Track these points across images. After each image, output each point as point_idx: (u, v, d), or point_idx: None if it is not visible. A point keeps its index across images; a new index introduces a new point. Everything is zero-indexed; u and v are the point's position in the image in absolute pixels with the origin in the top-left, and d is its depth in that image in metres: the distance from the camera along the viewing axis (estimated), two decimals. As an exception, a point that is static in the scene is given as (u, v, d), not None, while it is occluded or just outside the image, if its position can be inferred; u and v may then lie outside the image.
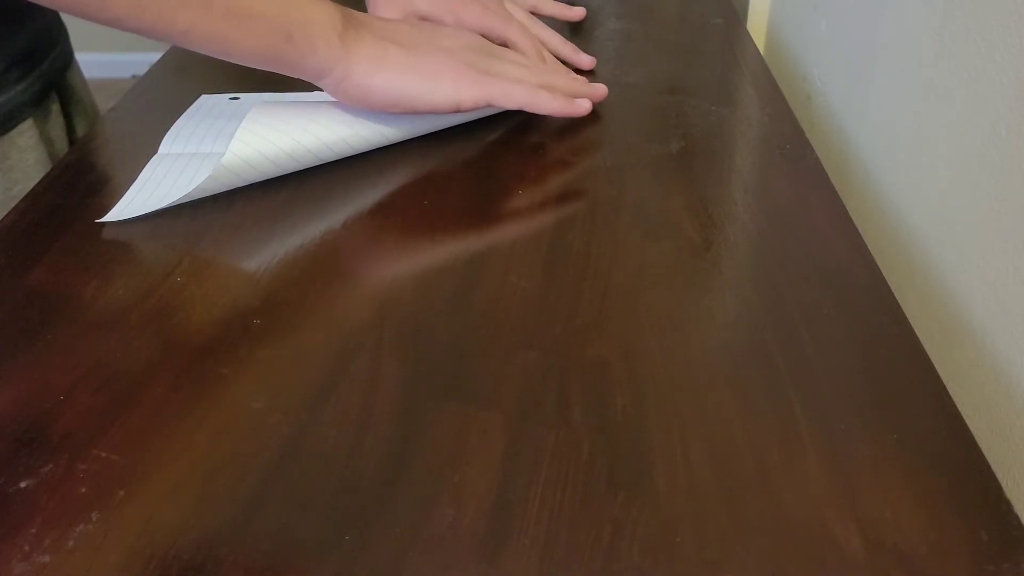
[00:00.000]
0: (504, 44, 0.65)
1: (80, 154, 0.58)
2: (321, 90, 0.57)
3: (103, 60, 2.34)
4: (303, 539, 0.32)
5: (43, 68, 0.62)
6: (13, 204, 0.52)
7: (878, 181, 0.65)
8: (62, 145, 0.66)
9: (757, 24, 0.98)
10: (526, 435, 0.36)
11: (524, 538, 0.31)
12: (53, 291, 0.44)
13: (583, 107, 0.59)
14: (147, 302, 0.43)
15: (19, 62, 0.59)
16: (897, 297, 0.44)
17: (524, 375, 0.39)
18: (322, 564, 0.31)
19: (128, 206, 0.51)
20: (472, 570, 0.30)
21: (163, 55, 0.74)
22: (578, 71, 0.68)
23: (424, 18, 0.67)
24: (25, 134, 0.60)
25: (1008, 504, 0.33)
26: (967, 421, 0.37)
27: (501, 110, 0.62)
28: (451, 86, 0.55)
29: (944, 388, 0.38)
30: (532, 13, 0.73)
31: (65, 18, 0.68)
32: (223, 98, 0.64)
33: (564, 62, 0.68)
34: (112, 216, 0.50)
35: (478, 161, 0.57)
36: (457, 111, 0.56)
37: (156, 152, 0.57)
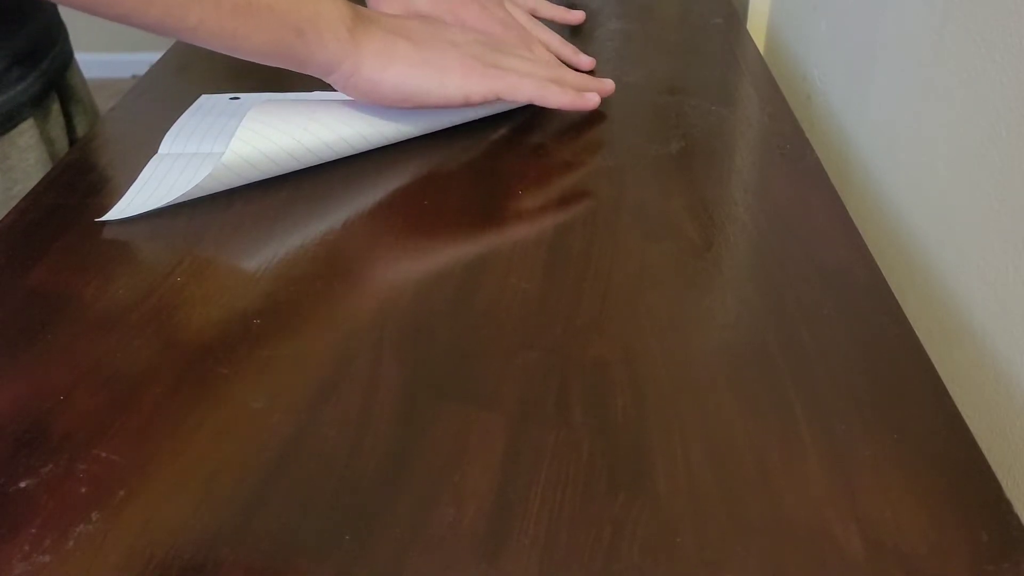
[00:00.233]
0: None
1: (80, 154, 0.58)
2: (322, 90, 0.57)
3: (103, 60, 2.34)
4: (303, 539, 0.32)
5: (43, 68, 0.62)
6: (13, 204, 0.52)
7: (878, 181, 0.65)
8: (62, 145, 0.66)
9: (757, 24, 0.98)
10: (526, 435, 0.36)
11: (524, 538, 0.31)
12: (53, 291, 0.44)
13: (592, 100, 0.59)
14: (147, 302, 0.43)
15: (19, 62, 0.59)
16: (897, 297, 0.44)
17: (525, 375, 0.39)
18: (322, 564, 0.31)
19: (128, 206, 0.51)
20: (472, 570, 0.30)
21: (163, 55, 0.74)
22: (578, 72, 0.68)
23: (424, 18, 0.67)
24: (25, 134, 0.60)
25: (1008, 504, 0.33)
26: (967, 421, 0.37)
27: (502, 110, 0.62)
28: (460, 80, 0.55)
29: (944, 388, 0.38)
30: (531, 15, 0.73)
31: (65, 17, 0.68)
32: (223, 98, 0.64)
33: (564, 63, 0.68)
34: (112, 215, 0.50)
35: (478, 161, 0.57)
36: (467, 105, 0.56)
37: (156, 152, 0.57)
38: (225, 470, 0.34)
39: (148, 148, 0.57)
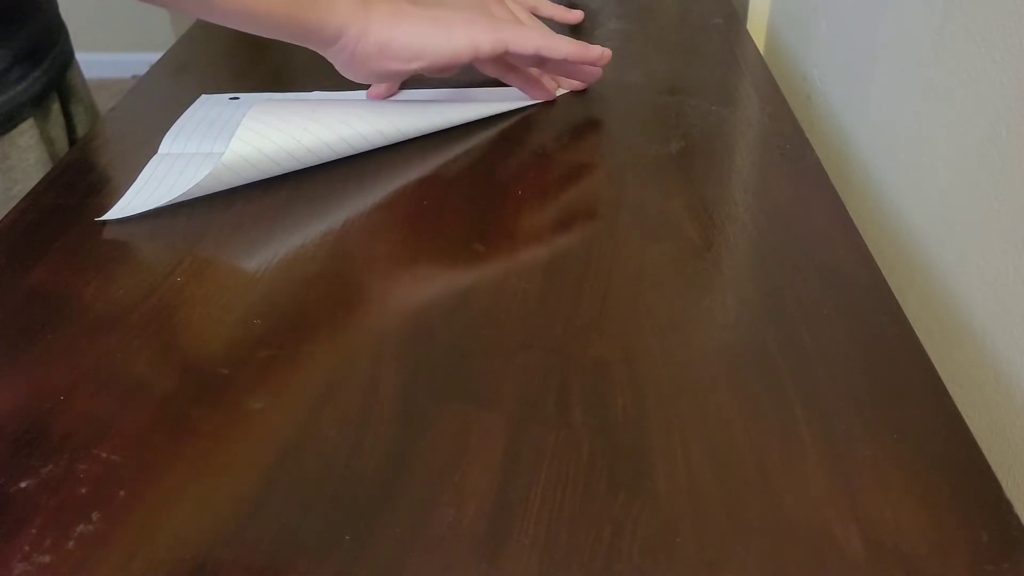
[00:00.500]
0: None
1: (80, 154, 0.58)
2: (321, 90, 0.57)
3: (103, 60, 2.34)
4: (303, 539, 0.32)
5: (44, 68, 0.62)
6: (13, 204, 0.52)
7: (878, 181, 0.65)
8: (62, 145, 0.66)
9: (757, 24, 0.98)
10: (526, 435, 0.36)
11: (524, 538, 0.31)
12: (53, 291, 0.44)
13: (596, 52, 0.61)
14: (147, 302, 0.43)
15: (20, 62, 0.59)
16: (897, 297, 0.44)
17: (525, 375, 0.39)
18: (322, 564, 0.31)
19: (127, 205, 0.51)
20: (472, 570, 0.30)
21: (163, 55, 0.74)
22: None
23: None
24: (26, 134, 0.60)
25: (1008, 504, 0.33)
26: (967, 421, 0.37)
27: (501, 110, 0.62)
28: (466, 32, 0.55)
29: (944, 388, 0.38)
30: (532, 14, 0.73)
31: (65, 17, 0.68)
32: (223, 98, 0.64)
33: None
34: (112, 215, 0.50)
35: (478, 161, 0.57)
36: (476, 58, 0.56)
37: (156, 152, 0.57)
38: (225, 470, 0.34)
39: (148, 148, 0.57)
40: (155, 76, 0.70)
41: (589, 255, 0.47)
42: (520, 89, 0.64)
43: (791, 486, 0.33)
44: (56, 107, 0.65)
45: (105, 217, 0.50)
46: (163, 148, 0.57)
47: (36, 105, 0.62)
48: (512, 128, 0.61)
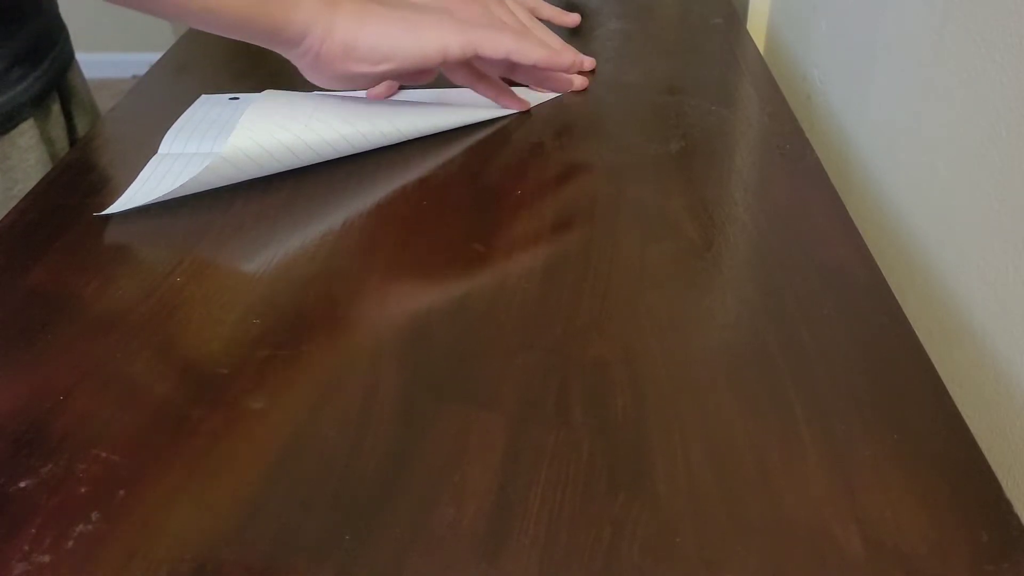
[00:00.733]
0: None
1: (80, 154, 0.58)
2: (321, 90, 0.57)
3: (103, 60, 2.34)
4: (303, 539, 0.32)
5: (44, 68, 0.62)
6: (13, 204, 0.52)
7: (878, 181, 0.65)
8: (63, 145, 0.66)
9: (757, 24, 0.98)
10: (526, 435, 0.36)
11: (524, 538, 0.31)
12: (53, 291, 0.44)
13: (567, 58, 0.60)
14: (147, 302, 0.43)
15: (20, 62, 0.59)
16: (897, 297, 0.44)
17: (524, 375, 0.39)
18: (322, 564, 0.31)
19: (128, 202, 0.51)
20: (472, 570, 0.30)
21: (163, 55, 0.74)
22: (578, 73, 0.68)
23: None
24: (26, 134, 0.60)
25: (1008, 504, 0.33)
26: (967, 421, 0.37)
27: (500, 115, 0.62)
28: (435, 34, 0.54)
29: (944, 388, 0.38)
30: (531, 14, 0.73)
31: (65, 18, 0.68)
32: (223, 98, 0.64)
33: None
34: (112, 210, 0.50)
35: (477, 161, 0.57)
36: (445, 61, 0.55)
37: (156, 152, 0.57)
38: (225, 470, 0.34)
39: (148, 148, 0.57)
40: (155, 76, 0.70)
41: (589, 255, 0.47)
42: (491, 99, 0.62)
43: (791, 486, 0.33)
44: (56, 107, 0.65)
45: (105, 212, 0.50)
46: (163, 148, 0.57)
47: (36, 105, 0.62)
48: (512, 128, 0.61)
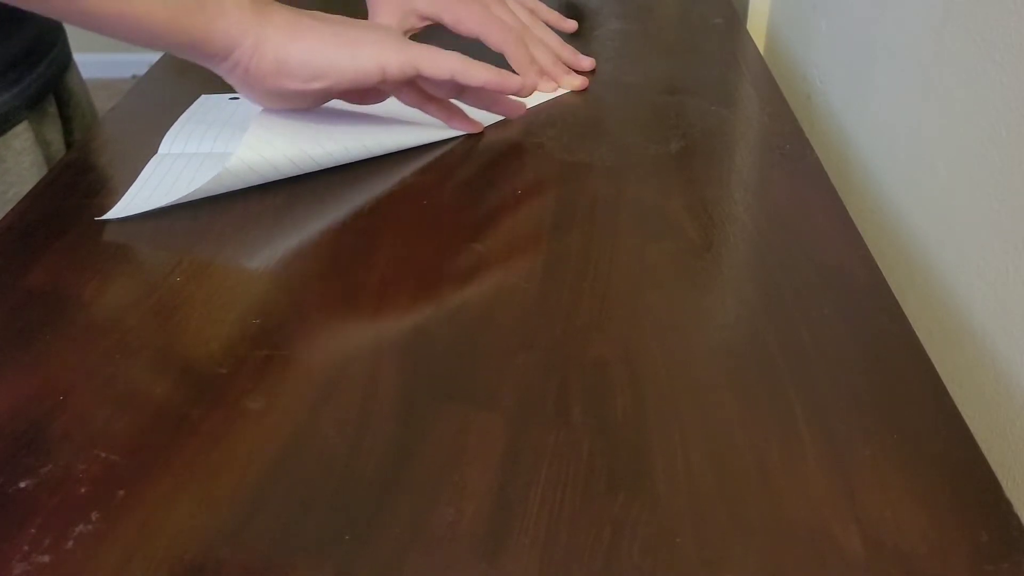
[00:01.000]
0: (499, 52, 0.65)
1: (80, 154, 0.58)
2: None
3: (103, 60, 2.33)
4: (303, 539, 0.32)
5: (40, 70, 0.62)
6: (9, 206, 0.52)
7: (878, 181, 0.65)
8: (59, 148, 0.65)
9: (757, 24, 0.98)
10: (526, 435, 0.36)
11: (524, 538, 0.31)
12: (53, 291, 0.44)
13: (516, 83, 0.56)
14: (147, 302, 0.43)
15: (15, 65, 0.59)
16: (897, 297, 0.44)
17: (524, 375, 0.39)
18: (322, 564, 0.31)
19: (128, 205, 0.51)
20: (472, 570, 0.30)
21: (163, 55, 0.74)
22: (578, 73, 0.68)
23: (424, 17, 0.67)
24: (21, 136, 0.60)
25: (1008, 504, 0.33)
26: (967, 421, 0.37)
27: (497, 119, 0.62)
28: (373, 51, 0.51)
29: (944, 388, 0.38)
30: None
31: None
32: (223, 98, 0.64)
33: (563, 64, 0.69)
34: (112, 215, 0.50)
35: (477, 161, 0.57)
36: (384, 81, 0.52)
37: (156, 152, 0.57)
38: (225, 470, 0.34)
39: (148, 148, 0.57)
40: (155, 76, 0.70)
41: (589, 255, 0.47)
42: (442, 120, 0.59)
43: (791, 486, 0.33)
44: (53, 110, 0.65)
45: (105, 217, 0.50)
46: (163, 148, 0.57)
47: (32, 108, 0.61)
48: (512, 128, 0.61)
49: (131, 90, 0.67)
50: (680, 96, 0.65)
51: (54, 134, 0.65)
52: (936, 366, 0.39)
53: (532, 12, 0.73)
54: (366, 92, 0.55)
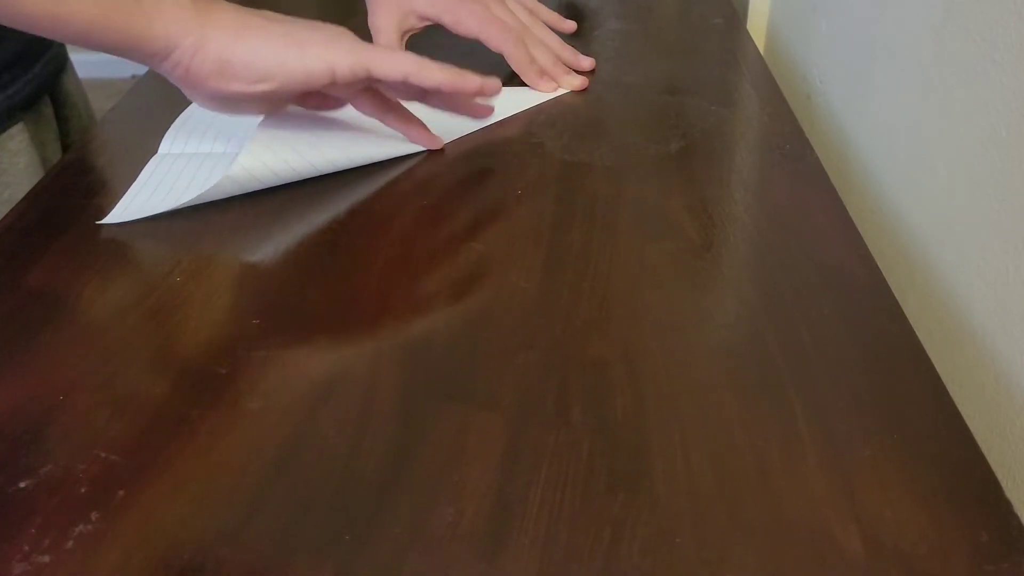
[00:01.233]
0: (499, 52, 0.65)
1: (80, 155, 0.58)
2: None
3: (103, 60, 2.33)
4: (303, 539, 0.32)
5: (35, 72, 0.62)
6: (5, 208, 0.52)
7: (878, 181, 0.65)
8: (54, 149, 0.65)
9: (757, 24, 0.98)
10: (526, 435, 0.36)
11: (524, 538, 0.31)
12: (52, 291, 0.44)
13: (475, 83, 0.53)
14: (146, 302, 0.43)
15: (10, 66, 0.59)
16: (897, 297, 0.44)
17: (524, 375, 0.39)
18: (322, 564, 0.31)
19: (128, 208, 0.51)
20: (472, 570, 0.30)
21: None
22: (578, 73, 0.68)
23: (424, 17, 0.67)
24: (16, 138, 0.60)
25: (1008, 504, 0.33)
26: (967, 421, 0.37)
27: (506, 115, 0.62)
28: (321, 52, 0.48)
29: (944, 388, 0.38)
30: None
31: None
32: (223, 98, 0.64)
33: (563, 64, 0.69)
34: (112, 218, 0.50)
35: (478, 161, 0.57)
36: (333, 82, 0.49)
37: (156, 152, 0.57)
38: (225, 470, 0.34)
39: (148, 148, 0.57)
40: (155, 76, 0.70)
41: (588, 254, 0.47)
42: (401, 132, 0.56)
43: (791, 486, 0.33)
44: (48, 111, 0.65)
45: (105, 220, 0.50)
46: (163, 148, 0.57)
47: (27, 109, 0.61)
48: (512, 127, 0.61)
49: (131, 90, 0.67)
50: (680, 96, 0.65)
51: (49, 135, 0.65)
52: (936, 366, 0.39)
53: (532, 13, 0.73)
54: (322, 98, 0.53)
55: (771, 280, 0.45)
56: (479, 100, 0.57)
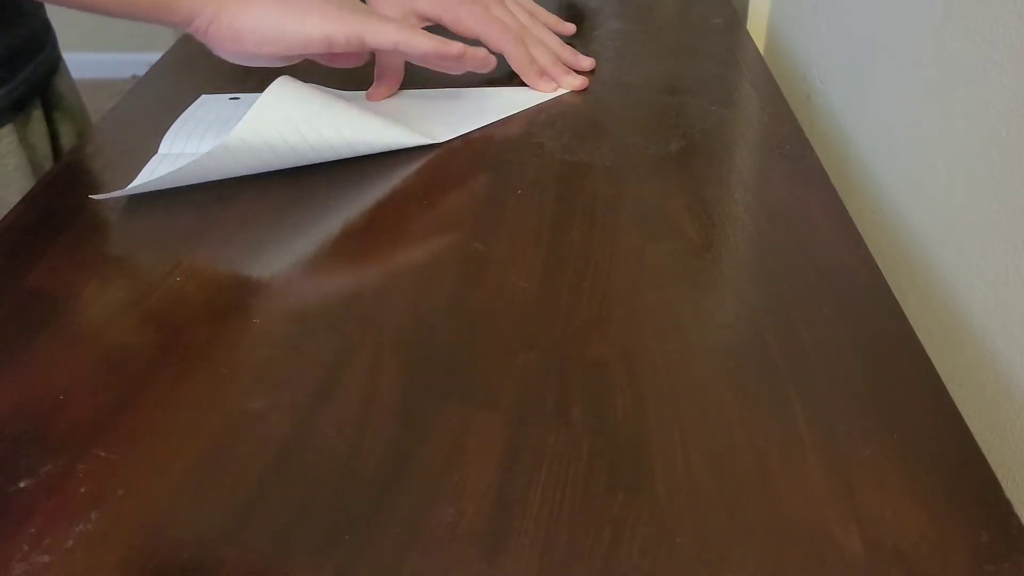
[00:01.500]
0: (499, 52, 0.65)
1: (80, 154, 0.58)
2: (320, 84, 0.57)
3: (103, 60, 2.34)
4: (303, 539, 0.32)
5: (25, 74, 0.61)
6: None
7: (878, 181, 0.65)
8: (44, 151, 0.65)
9: (757, 24, 0.98)
10: (526, 435, 0.36)
11: (524, 538, 0.31)
12: (52, 291, 0.44)
13: (456, 49, 0.59)
14: (147, 302, 0.43)
15: None
16: (897, 297, 0.44)
17: (524, 375, 0.39)
18: (322, 564, 0.31)
19: (127, 190, 0.51)
20: (472, 570, 0.30)
21: (163, 55, 0.74)
22: (578, 73, 0.68)
23: (424, 18, 0.67)
24: (4, 140, 0.59)
25: (1008, 504, 0.33)
26: (967, 421, 0.37)
27: (507, 115, 0.62)
28: (319, 21, 0.54)
29: (944, 388, 0.38)
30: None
31: (63, 19, 0.68)
32: (223, 98, 0.64)
33: (563, 64, 0.69)
34: (109, 196, 0.50)
35: (477, 160, 0.57)
36: (330, 49, 0.55)
37: (156, 152, 0.57)
38: (224, 470, 0.34)
39: (148, 148, 0.57)
40: (155, 76, 0.70)
41: (588, 254, 0.47)
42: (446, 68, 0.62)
43: (791, 486, 0.33)
44: (38, 113, 0.64)
45: (101, 196, 0.50)
46: (163, 148, 0.57)
47: (16, 111, 0.61)
48: (512, 128, 0.61)
49: (131, 90, 0.67)
50: (680, 96, 0.65)
51: (40, 138, 0.64)
52: (936, 366, 0.39)
53: (531, 15, 0.72)
54: (335, 55, 0.58)
55: (771, 280, 0.45)
56: (466, 64, 0.62)
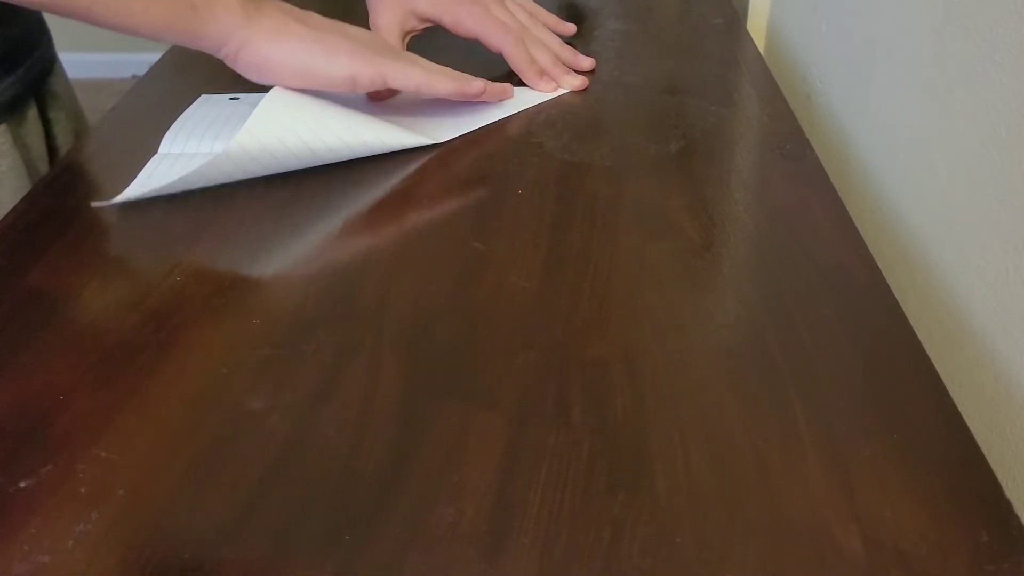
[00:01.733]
0: (499, 52, 0.65)
1: (80, 155, 0.58)
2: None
3: (103, 60, 2.34)
4: (303, 539, 0.32)
5: (19, 74, 0.61)
6: None
7: (878, 181, 0.65)
8: (39, 151, 0.65)
9: (757, 24, 0.98)
10: (526, 435, 0.36)
11: (524, 538, 0.31)
12: (52, 291, 0.44)
13: (477, 87, 0.61)
14: (147, 302, 0.43)
15: None
16: (897, 297, 0.44)
17: (524, 375, 0.39)
18: (322, 564, 0.31)
19: (127, 196, 0.51)
20: (472, 570, 0.30)
21: (163, 55, 0.74)
22: (578, 73, 0.68)
23: (424, 18, 0.67)
24: None
25: (1008, 504, 0.33)
26: (967, 421, 0.37)
27: (508, 115, 0.62)
28: (347, 61, 0.55)
29: (944, 388, 0.38)
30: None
31: (61, 20, 0.68)
32: (223, 98, 0.64)
33: (564, 64, 0.68)
34: (109, 201, 0.50)
35: (478, 160, 0.57)
36: (354, 88, 0.56)
37: (156, 152, 0.57)
38: (224, 470, 0.34)
39: (148, 148, 0.57)
40: (155, 76, 0.70)
41: (589, 255, 0.47)
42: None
43: (791, 486, 0.33)
44: (33, 113, 0.64)
45: (102, 203, 0.50)
46: (163, 148, 0.57)
47: (10, 111, 0.61)
48: (512, 128, 0.61)
49: (131, 90, 0.67)
50: (680, 96, 0.65)
51: (34, 138, 0.64)
52: (936, 366, 0.39)
53: (531, 15, 0.72)
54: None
55: (771, 280, 0.45)
56: (487, 100, 0.63)
